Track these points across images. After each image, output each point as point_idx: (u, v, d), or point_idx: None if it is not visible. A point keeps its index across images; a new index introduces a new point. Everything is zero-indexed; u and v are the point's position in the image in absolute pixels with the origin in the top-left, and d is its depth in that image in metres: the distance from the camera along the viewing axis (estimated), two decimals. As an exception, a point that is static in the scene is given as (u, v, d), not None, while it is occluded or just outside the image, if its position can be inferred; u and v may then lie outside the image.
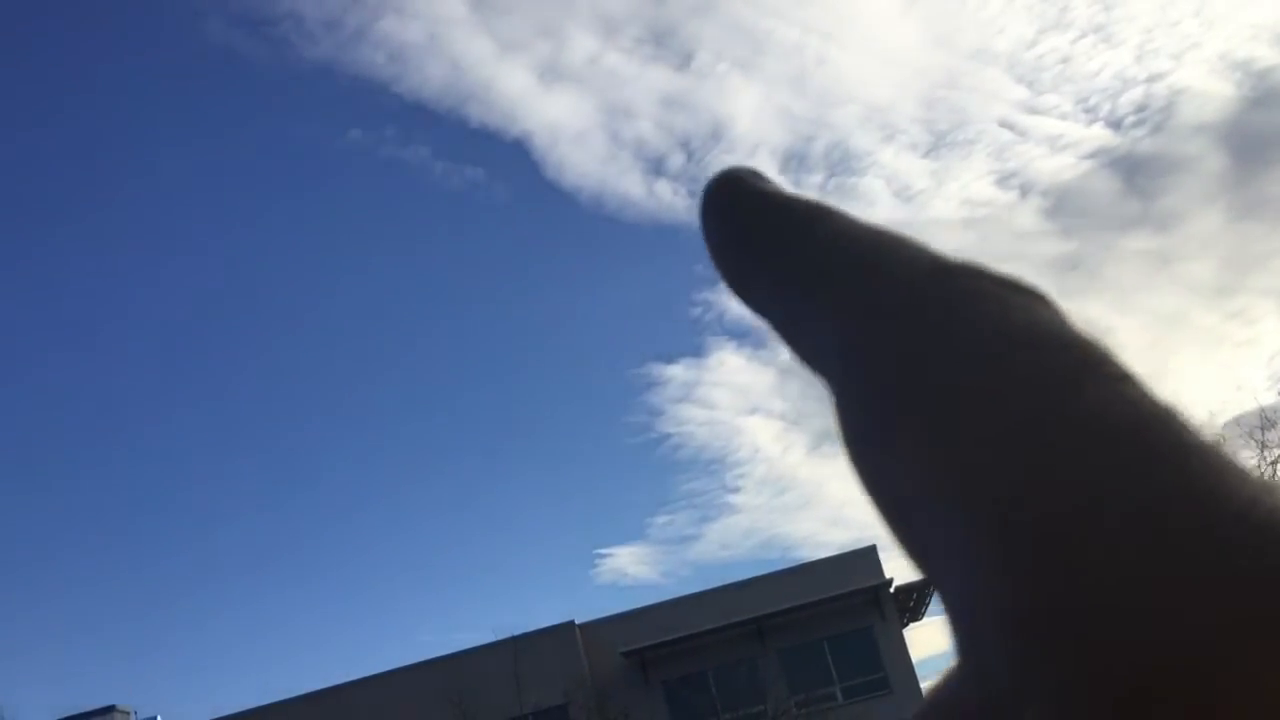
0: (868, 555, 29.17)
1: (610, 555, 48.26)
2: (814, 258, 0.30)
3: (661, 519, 52.55)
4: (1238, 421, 26.30)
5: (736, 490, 51.31)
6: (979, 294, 0.26)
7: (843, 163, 58.07)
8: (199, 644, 48.80)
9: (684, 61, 54.36)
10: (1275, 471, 25.27)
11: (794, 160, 56.84)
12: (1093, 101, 53.59)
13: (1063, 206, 54.02)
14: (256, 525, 52.07)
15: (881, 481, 0.25)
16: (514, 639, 28.17)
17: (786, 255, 0.31)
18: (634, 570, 46.68)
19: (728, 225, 0.34)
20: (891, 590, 28.05)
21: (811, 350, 0.29)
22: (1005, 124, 52.58)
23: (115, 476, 51.28)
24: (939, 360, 0.25)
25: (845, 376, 0.27)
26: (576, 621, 28.80)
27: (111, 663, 47.59)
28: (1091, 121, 52.24)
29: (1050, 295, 0.27)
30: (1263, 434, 25.62)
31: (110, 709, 29.58)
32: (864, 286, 0.28)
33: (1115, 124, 52.41)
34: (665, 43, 55.86)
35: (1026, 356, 0.24)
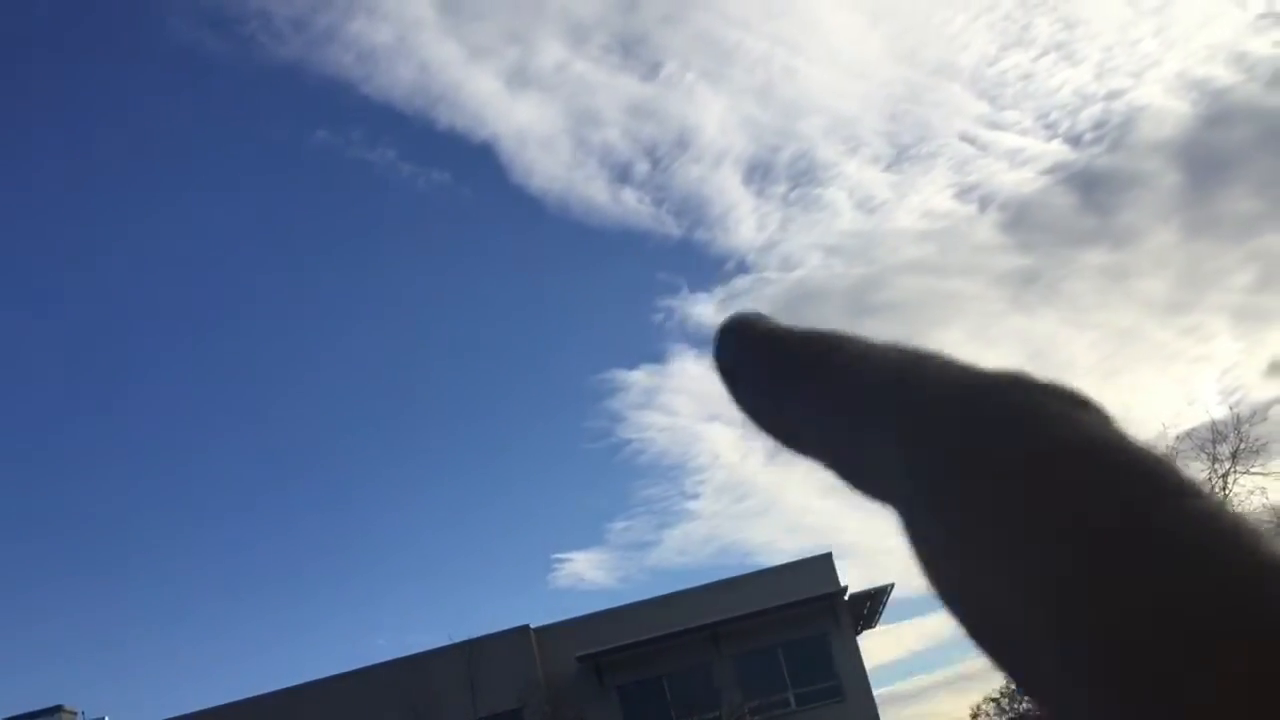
0: (823, 563, 29.29)
1: (568, 560, 48.19)
2: (850, 382, 0.30)
3: (620, 524, 52.53)
4: (1190, 435, 26.68)
5: (695, 497, 51.43)
6: (1033, 409, 0.26)
7: (807, 173, 58.45)
8: (149, 645, 48.27)
9: (652, 70, 54.49)
10: (1226, 484, 25.63)
11: (758, 170, 57.16)
12: (1052, 118, 54.22)
13: (1021, 220, 54.58)
14: (209, 528, 51.62)
15: (966, 604, 0.25)
16: (469, 643, 28.03)
17: (819, 382, 0.31)
18: (591, 575, 46.66)
19: (751, 358, 0.34)
20: (846, 598, 28.19)
21: (864, 473, 0.29)
22: (966, 138, 53.10)
23: (66, 477, 50.69)
24: (1009, 482, 0.25)
25: (914, 499, 0.27)
26: (532, 626, 28.73)
27: (58, 663, 47.04)
28: (1051, 137, 52.85)
29: (1095, 400, 0.27)
30: (1214, 447, 26.00)
31: (57, 709, 29.21)
32: (914, 407, 0.28)
33: (1074, 140, 53.04)
34: (634, 51, 55.98)
35: (1093, 476, 0.24)
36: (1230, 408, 27.63)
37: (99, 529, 50.11)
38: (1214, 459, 25.94)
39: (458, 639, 28.42)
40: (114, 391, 51.71)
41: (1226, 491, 25.51)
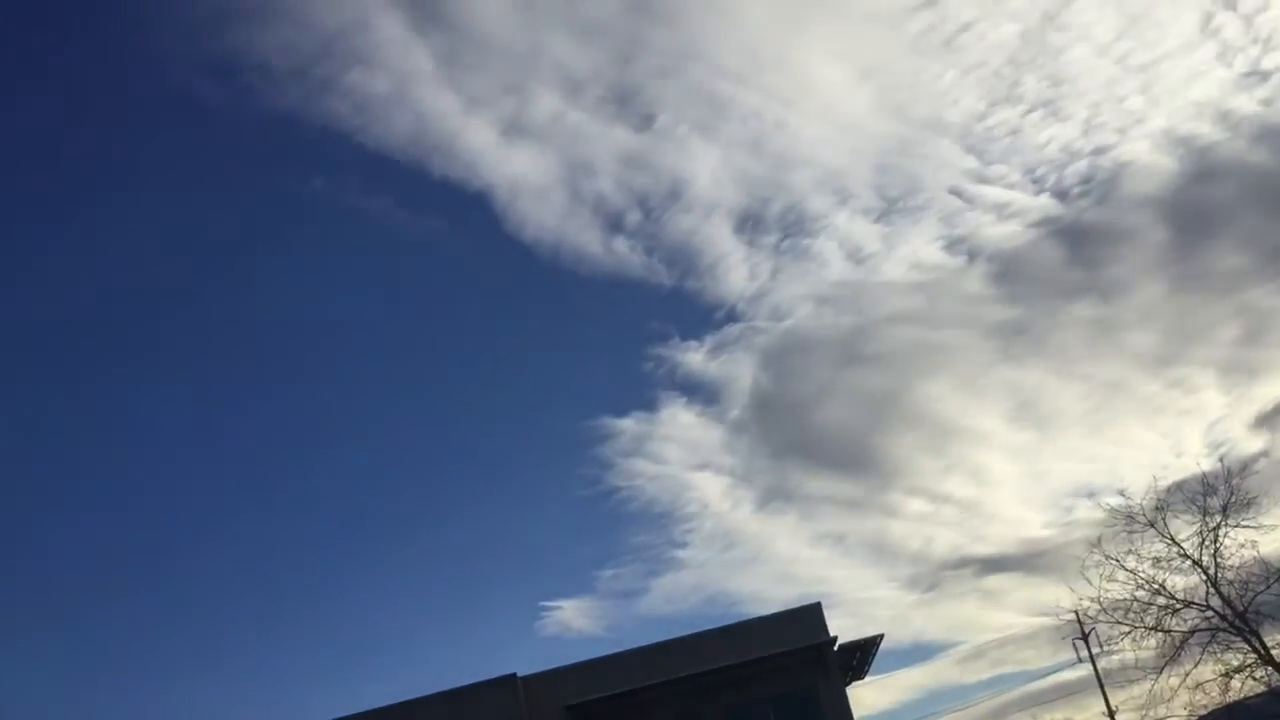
0: (812, 613, 29.05)
1: (556, 608, 47.86)
2: None
3: (608, 573, 52.26)
4: (1180, 488, 26.65)
5: (684, 545, 51.26)
6: None
7: (797, 224, 58.71)
8: (138, 689, 47.69)
9: (645, 122, 54.92)
10: (1217, 537, 25.56)
11: (749, 221, 57.40)
12: (1040, 172, 54.80)
13: (1009, 273, 54.81)
14: (195, 574, 51.15)
15: None
16: (455, 691, 27.74)
17: None
18: (579, 624, 46.38)
19: None
20: (835, 648, 27.94)
21: None
22: (955, 191, 53.54)
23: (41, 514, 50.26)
24: None
25: None
26: (519, 675, 28.40)
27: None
28: (1039, 191, 53.36)
29: None
30: (1204, 500, 25.94)
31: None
32: None
33: (1061, 194, 53.40)
34: (628, 103, 56.42)
35: None
36: (1220, 460, 27.62)
37: (105, 563, 49.58)
38: (1204, 512, 25.89)
39: (444, 688, 28.15)
40: (99, 433, 51.36)
41: (1217, 545, 25.44)
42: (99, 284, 52.83)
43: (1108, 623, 27.07)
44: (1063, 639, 47.43)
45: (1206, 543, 25.67)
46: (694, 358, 71.03)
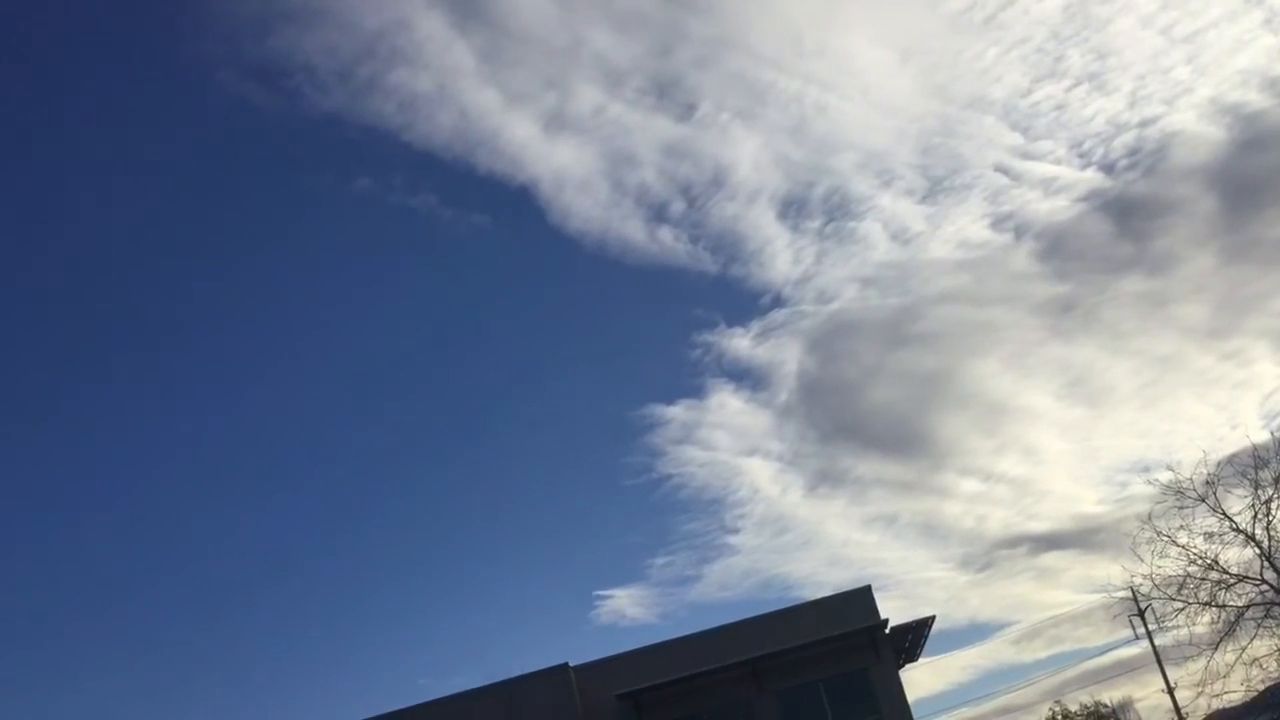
0: (863, 596, 29.09)
1: (610, 597, 48.19)
2: None
3: (661, 560, 52.51)
4: (1231, 461, 26.27)
5: (736, 531, 51.38)
6: None
7: (841, 207, 58.47)
8: (198, 676, 48.65)
9: (686, 111, 54.92)
10: (1269, 510, 25.25)
11: (793, 205, 57.28)
12: (1086, 146, 54.16)
13: (1057, 249, 54.23)
14: (253, 562, 52.02)
15: None
16: (508, 682, 28.10)
17: None
18: (633, 612, 46.66)
19: None
20: (887, 631, 27.97)
21: None
22: (1000, 169, 53.05)
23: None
24: None
25: None
26: (571, 664, 28.71)
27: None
28: (1085, 165, 52.75)
29: None
30: (1256, 473, 25.60)
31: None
32: None
33: (1108, 168, 52.70)
34: (668, 93, 56.47)
35: None
36: (1272, 433, 27.11)
37: (163, 581, 50.57)
38: (1256, 485, 25.54)
39: (498, 679, 28.51)
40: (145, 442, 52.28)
41: (1270, 518, 25.13)
42: (152, 283, 53.82)
43: (1161, 599, 26.82)
44: (1114, 617, 46.94)
45: (1259, 516, 25.34)
46: (741, 343, 71.33)
